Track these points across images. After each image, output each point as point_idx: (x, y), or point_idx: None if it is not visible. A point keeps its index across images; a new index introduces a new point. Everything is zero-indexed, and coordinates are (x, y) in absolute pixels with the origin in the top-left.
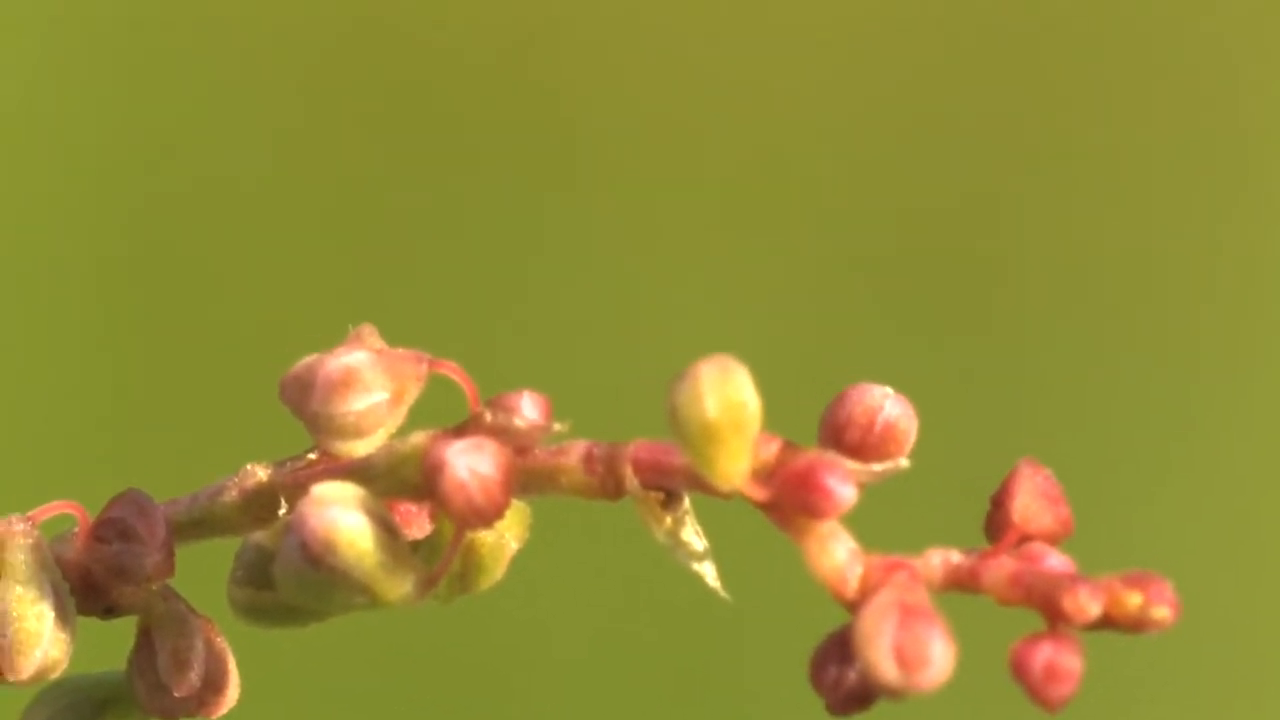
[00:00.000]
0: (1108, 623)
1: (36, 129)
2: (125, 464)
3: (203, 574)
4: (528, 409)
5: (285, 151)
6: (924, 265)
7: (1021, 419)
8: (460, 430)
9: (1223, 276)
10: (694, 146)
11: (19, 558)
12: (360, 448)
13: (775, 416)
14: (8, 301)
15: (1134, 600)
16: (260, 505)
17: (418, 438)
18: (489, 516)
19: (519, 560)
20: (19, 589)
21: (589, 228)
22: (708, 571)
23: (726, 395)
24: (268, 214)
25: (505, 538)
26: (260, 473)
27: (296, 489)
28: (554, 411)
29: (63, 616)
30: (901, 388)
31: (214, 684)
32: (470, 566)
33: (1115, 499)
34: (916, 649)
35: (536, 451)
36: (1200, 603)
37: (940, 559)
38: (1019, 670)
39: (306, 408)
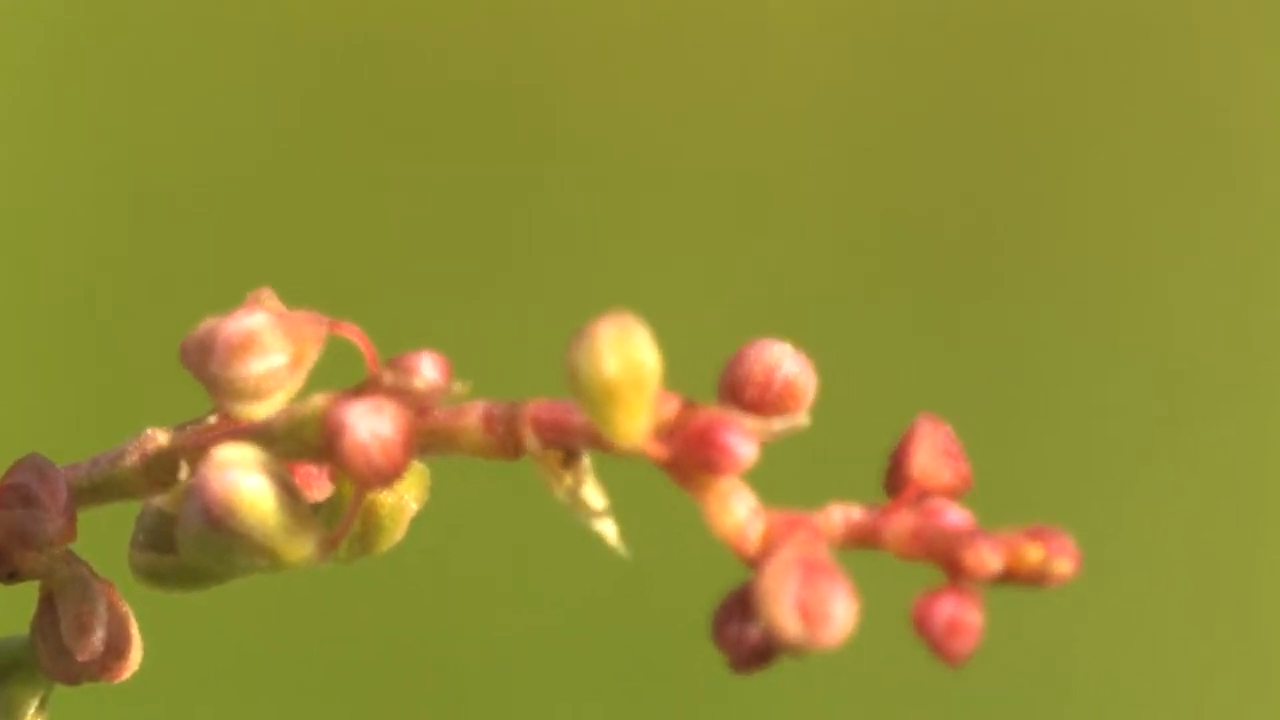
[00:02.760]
0: (1009, 577)
1: (36, 129)
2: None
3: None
4: (427, 370)
5: (279, 150)
6: (915, 265)
7: (1016, 412)
8: (360, 392)
9: (1211, 270)
10: (678, 144)
11: None
12: (260, 410)
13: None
14: (7, 301)
15: (1035, 554)
16: (161, 469)
17: (318, 400)
18: (389, 477)
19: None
20: None
21: (574, 225)
22: (608, 530)
23: (626, 353)
24: (262, 212)
25: (405, 499)
26: (160, 436)
27: (197, 452)
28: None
29: None
30: (888, 386)
31: (117, 648)
32: (370, 528)
33: (1100, 487)
34: (819, 605)
35: (436, 412)
36: (1185, 590)
37: (841, 515)
38: (921, 625)
39: (206, 370)
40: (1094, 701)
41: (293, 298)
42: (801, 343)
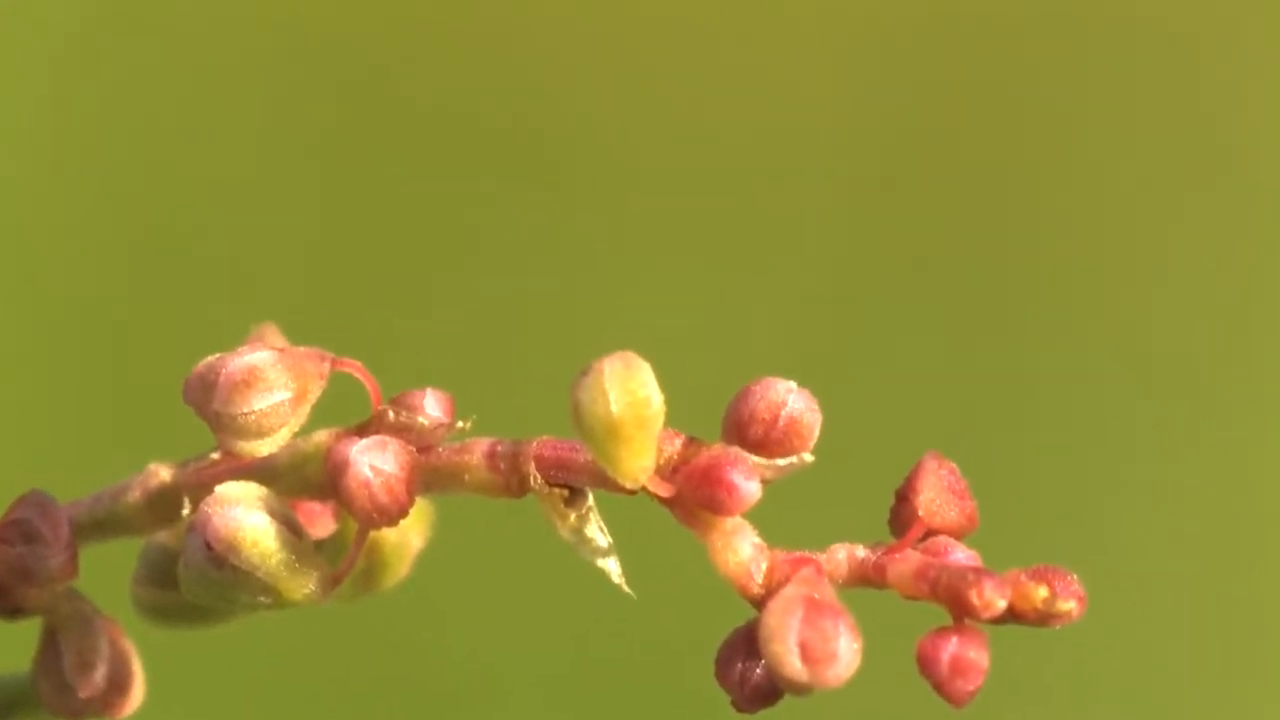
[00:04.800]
0: (1014, 616)
1: (36, 128)
2: (115, 463)
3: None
4: (430, 407)
5: (276, 149)
6: (916, 273)
7: (1016, 417)
8: (363, 429)
9: (1210, 269)
10: (677, 147)
11: None
12: (263, 447)
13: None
14: (7, 299)
15: (1040, 593)
16: (163, 505)
17: (321, 436)
18: (393, 515)
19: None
20: None
21: (571, 230)
22: (612, 568)
23: (630, 392)
24: (260, 210)
25: (408, 536)
26: (163, 473)
27: (200, 489)
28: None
29: None
30: (882, 393)
31: (119, 684)
32: (374, 565)
33: (1086, 491)
34: (822, 644)
35: (440, 449)
36: (1172, 593)
37: (845, 554)
38: (925, 665)
39: (209, 407)
40: (1085, 703)
41: (288, 295)
42: (799, 345)
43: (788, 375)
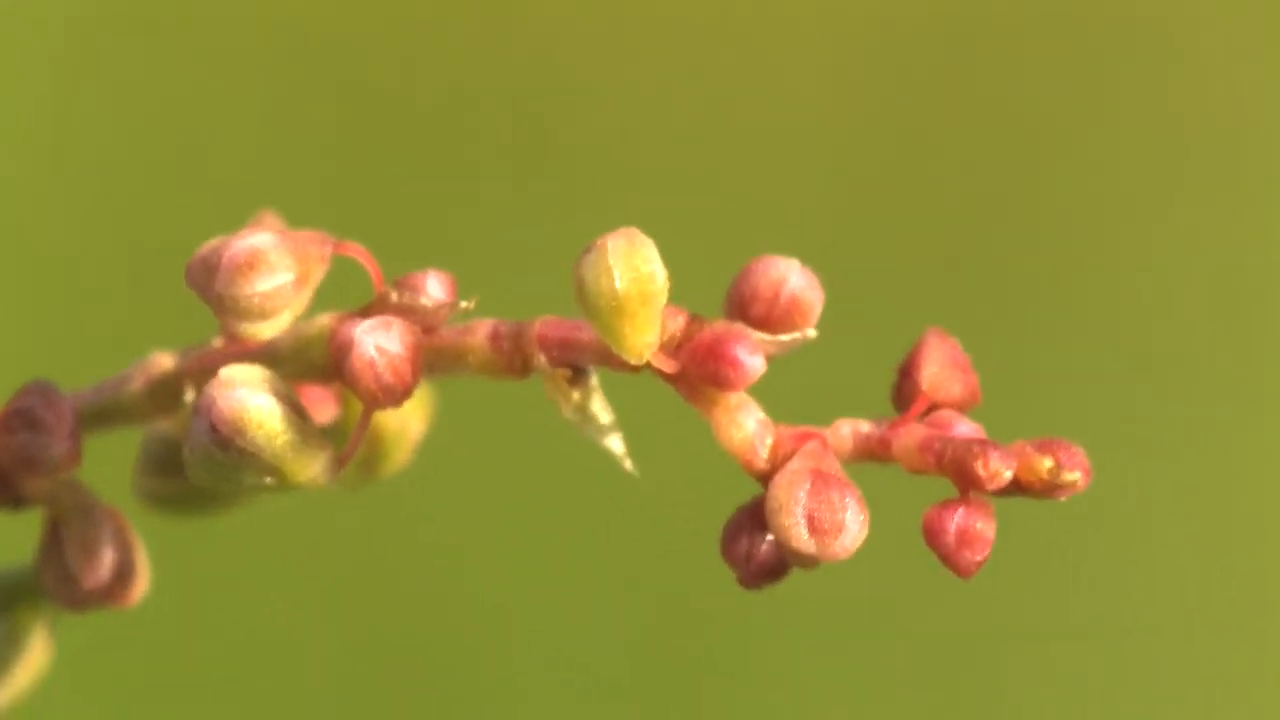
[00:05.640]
0: (1019, 488)
1: (36, 128)
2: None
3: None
4: (433, 288)
5: (276, 148)
6: (912, 266)
7: (1020, 422)
8: (367, 310)
9: (1210, 270)
10: (673, 148)
11: None
12: (266, 330)
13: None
14: (7, 299)
15: (1045, 464)
16: (165, 393)
17: (324, 319)
18: (398, 395)
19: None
20: None
21: (572, 230)
22: (615, 445)
23: (634, 267)
24: (257, 207)
25: (409, 422)
26: (165, 360)
27: (203, 374)
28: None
29: None
30: (882, 391)
31: (123, 574)
32: (375, 452)
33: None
34: (829, 515)
35: (443, 330)
36: (1172, 592)
37: (850, 428)
38: (932, 536)
39: (211, 290)
40: (1079, 693)
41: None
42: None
43: (788, 374)
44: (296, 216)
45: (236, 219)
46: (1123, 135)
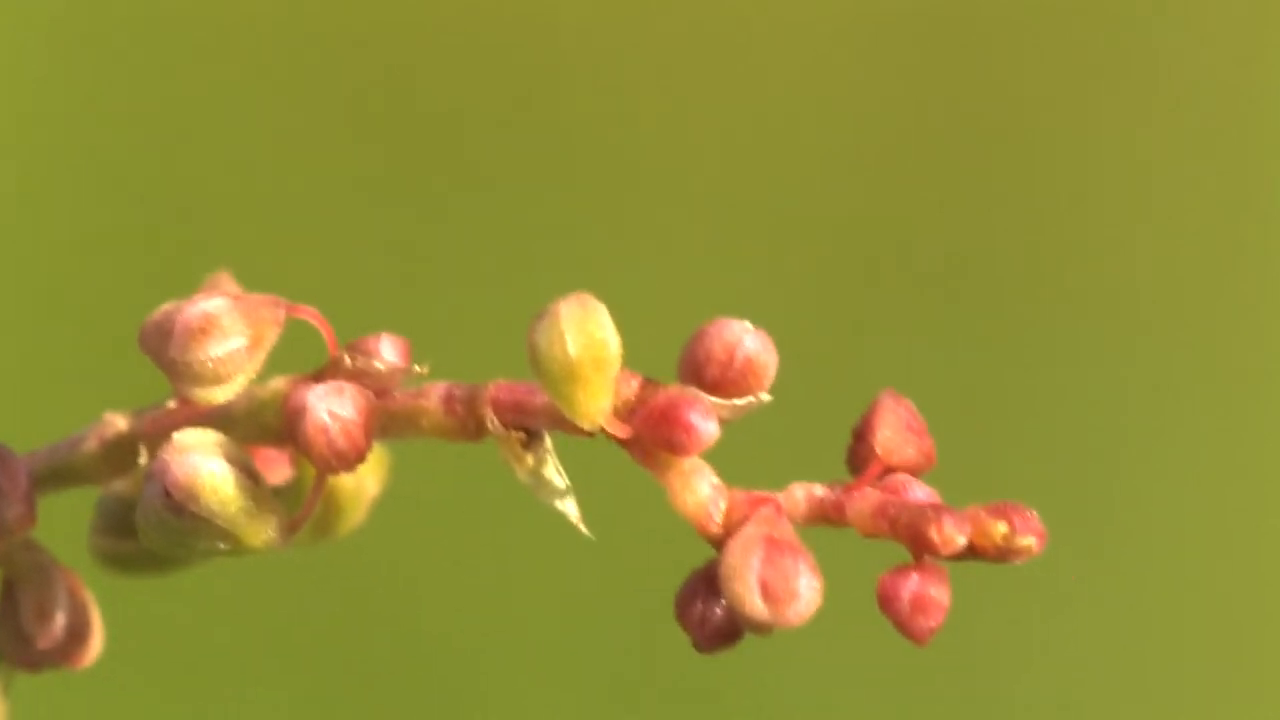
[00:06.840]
0: (974, 553)
1: (36, 128)
2: None
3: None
4: (387, 352)
5: (280, 148)
6: (915, 268)
7: (1003, 412)
8: (320, 374)
9: (1209, 270)
10: (683, 150)
11: None
12: (220, 394)
13: (759, 416)
14: (7, 299)
15: (999, 529)
16: (120, 454)
17: (277, 383)
18: (351, 460)
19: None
20: None
21: (581, 229)
22: (570, 510)
23: (587, 333)
24: (263, 208)
25: (365, 482)
26: (119, 421)
27: (157, 437)
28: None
29: None
30: (882, 389)
31: (78, 634)
32: (331, 512)
33: (1086, 491)
34: (783, 583)
35: (396, 394)
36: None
37: (804, 492)
38: (886, 603)
39: (165, 355)
40: (1074, 694)
41: (290, 295)
42: (792, 341)
43: (787, 372)
44: (297, 216)
45: (236, 219)
46: (1124, 135)
